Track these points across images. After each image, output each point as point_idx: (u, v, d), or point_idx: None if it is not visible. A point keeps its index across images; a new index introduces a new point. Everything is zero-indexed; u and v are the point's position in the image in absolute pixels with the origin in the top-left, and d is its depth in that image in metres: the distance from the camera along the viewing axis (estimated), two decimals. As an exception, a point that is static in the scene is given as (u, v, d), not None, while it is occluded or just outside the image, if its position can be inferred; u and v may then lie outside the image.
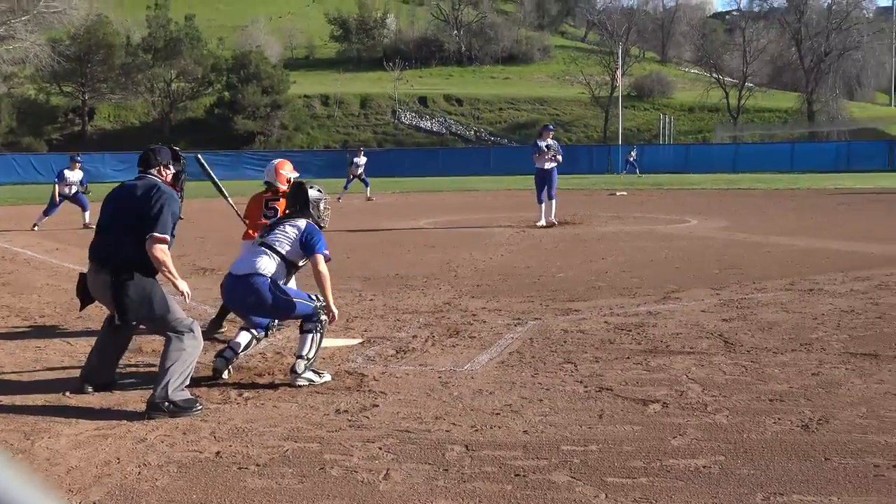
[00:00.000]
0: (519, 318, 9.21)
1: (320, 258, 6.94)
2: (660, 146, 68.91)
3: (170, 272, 6.31)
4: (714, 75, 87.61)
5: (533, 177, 20.37)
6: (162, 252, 6.24)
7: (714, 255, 14.52)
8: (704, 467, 4.85)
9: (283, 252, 6.95)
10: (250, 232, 8.67)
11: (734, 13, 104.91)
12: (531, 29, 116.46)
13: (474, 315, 9.46)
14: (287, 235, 7.03)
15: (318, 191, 7.40)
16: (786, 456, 5.00)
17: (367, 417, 5.89)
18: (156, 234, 6.20)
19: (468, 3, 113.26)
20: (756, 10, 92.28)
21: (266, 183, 9.03)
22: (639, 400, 6.14)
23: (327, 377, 6.89)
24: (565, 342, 8.05)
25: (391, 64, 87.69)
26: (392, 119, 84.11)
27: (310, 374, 6.78)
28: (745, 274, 12.21)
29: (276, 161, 9.17)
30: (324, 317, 6.94)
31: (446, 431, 5.55)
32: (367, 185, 33.59)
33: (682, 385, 6.51)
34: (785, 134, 76.57)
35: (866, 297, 10.21)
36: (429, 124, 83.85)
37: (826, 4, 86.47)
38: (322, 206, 7.34)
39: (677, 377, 6.74)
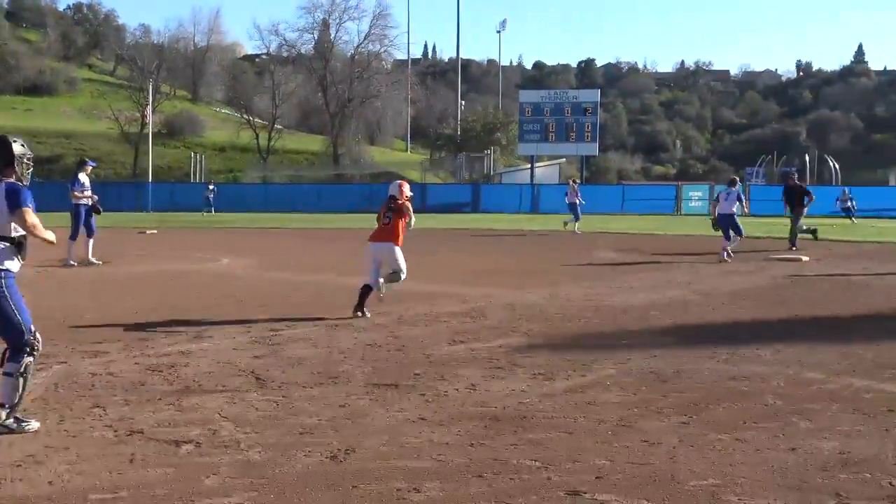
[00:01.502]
0: (42, 363, 8.69)
1: (28, 211, 6.44)
2: (190, 185, 68.46)
3: None
4: (245, 116, 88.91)
5: (70, 213, 19.25)
6: None
7: (245, 293, 14.69)
8: (238, 504, 4.89)
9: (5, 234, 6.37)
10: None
11: (264, 57, 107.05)
12: (56, 59, 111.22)
13: (-8, 361, 8.81)
14: None
15: (22, 145, 6.62)
16: (316, 487, 5.16)
17: None
18: None
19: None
20: (285, 55, 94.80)
21: (391, 196, 12.48)
22: (171, 441, 6.05)
23: (35, 424, 6.32)
24: (93, 386, 7.74)
25: None
26: None
27: (10, 422, 6.19)
28: (276, 311, 12.49)
29: (400, 181, 12.87)
30: (30, 358, 6.36)
31: (-40, 489, 5.11)
32: None
33: (215, 424, 6.51)
34: (312, 175, 79.42)
35: (387, 330, 10.86)
36: (-62, 156, 76.93)
37: (350, 54, 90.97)
38: (26, 161, 6.60)
39: (210, 416, 6.73)
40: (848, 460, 5.72)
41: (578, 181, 37.12)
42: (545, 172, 79.34)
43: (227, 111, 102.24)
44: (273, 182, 74.37)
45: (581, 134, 65.17)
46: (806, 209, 24.69)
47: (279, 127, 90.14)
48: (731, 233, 21.13)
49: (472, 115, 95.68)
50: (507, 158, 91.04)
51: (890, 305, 13.73)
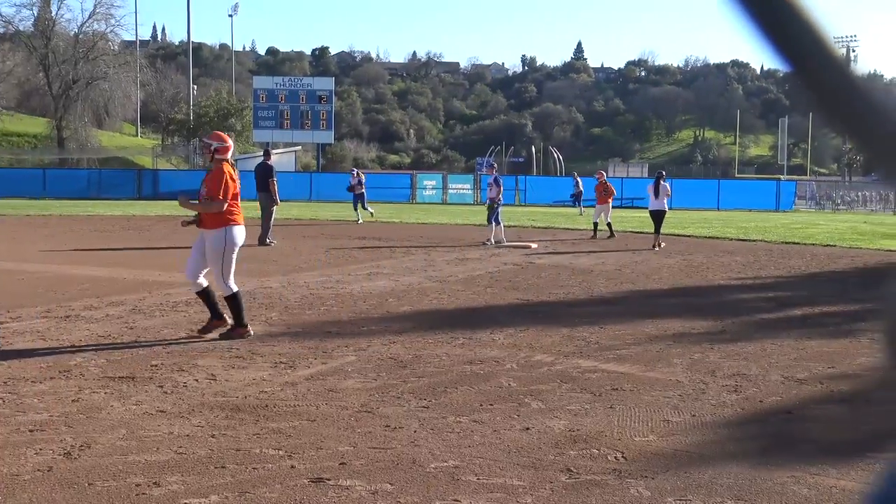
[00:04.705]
0: None
1: None
2: None
3: None
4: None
5: None
6: None
7: (-37, 285, 13.79)
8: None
9: None
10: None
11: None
12: None
13: None
14: None
15: None
16: (50, 486, 4.95)
17: None
18: None
19: None
20: (1, 31, 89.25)
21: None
22: None
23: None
24: None
25: None
26: None
27: None
28: (-1, 303, 11.80)
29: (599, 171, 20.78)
30: None
31: None
32: None
33: (-65, 424, 6.10)
34: (35, 159, 75.28)
35: (122, 321, 10.50)
36: None
37: (73, 33, 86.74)
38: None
39: (-72, 416, 6.30)
40: (577, 437, 6.07)
41: (363, 172, 38.10)
42: (281, 160, 78.64)
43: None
44: (-6, 167, 69.96)
45: (316, 122, 65.24)
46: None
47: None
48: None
49: (205, 101, 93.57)
50: (243, 145, 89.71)
51: (609, 289, 14.61)
